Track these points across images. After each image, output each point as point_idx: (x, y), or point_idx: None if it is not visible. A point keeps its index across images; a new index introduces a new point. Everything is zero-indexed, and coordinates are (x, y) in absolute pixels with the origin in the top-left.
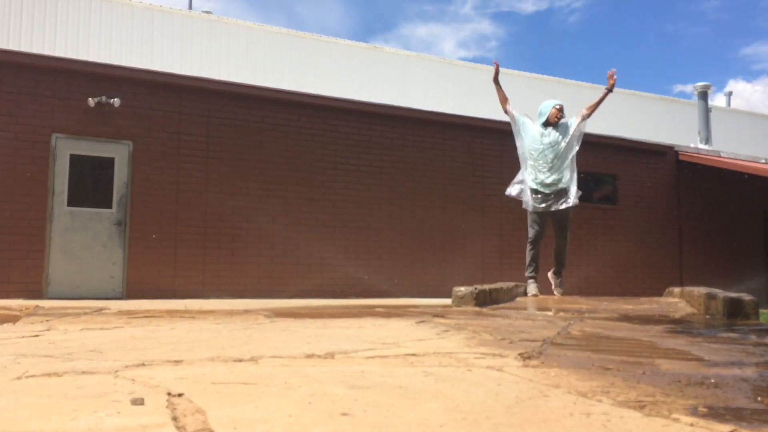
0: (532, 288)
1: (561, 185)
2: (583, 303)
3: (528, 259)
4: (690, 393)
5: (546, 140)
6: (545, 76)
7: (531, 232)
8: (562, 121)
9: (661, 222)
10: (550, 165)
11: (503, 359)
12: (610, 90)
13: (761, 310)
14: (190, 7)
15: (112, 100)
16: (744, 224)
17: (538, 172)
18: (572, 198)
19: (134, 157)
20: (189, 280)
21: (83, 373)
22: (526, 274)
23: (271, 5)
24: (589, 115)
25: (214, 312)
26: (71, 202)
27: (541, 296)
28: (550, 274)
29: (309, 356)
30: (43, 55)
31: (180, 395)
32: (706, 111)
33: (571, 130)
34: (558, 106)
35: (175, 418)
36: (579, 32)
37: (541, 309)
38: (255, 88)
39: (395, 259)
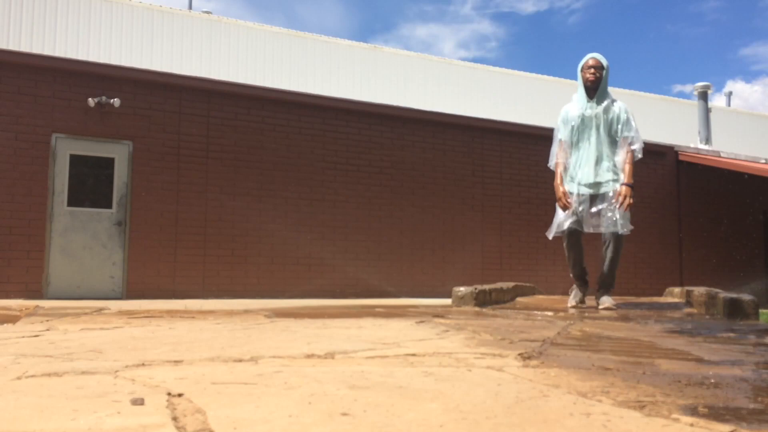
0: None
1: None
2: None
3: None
4: (690, 393)
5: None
6: (545, 76)
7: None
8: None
9: (661, 222)
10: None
11: (503, 359)
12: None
13: (761, 310)
14: (190, 7)
15: (112, 100)
16: (744, 224)
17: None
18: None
19: (134, 157)
20: (189, 281)
21: (83, 373)
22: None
23: (271, 5)
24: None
25: (214, 312)
26: (71, 202)
27: (540, 296)
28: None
29: (309, 356)
30: (43, 55)
31: (180, 395)
32: (706, 111)
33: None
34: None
35: (175, 418)
36: (579, 32)
37: (541, 309)
38: (255, 88)
39: (395, 259)
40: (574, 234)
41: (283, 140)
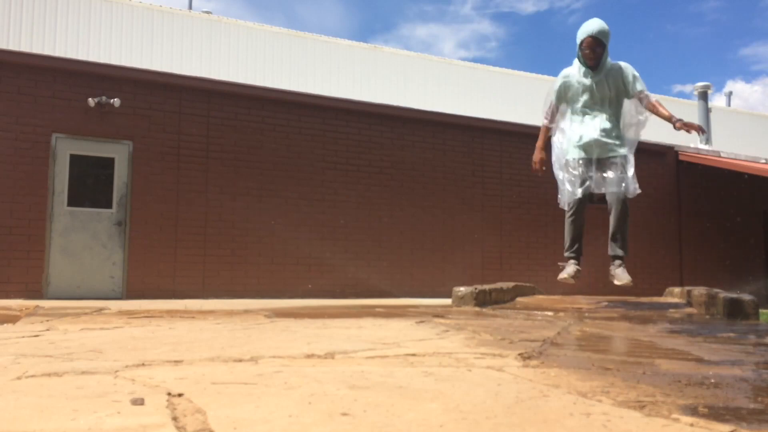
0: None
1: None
2: (583, 303)
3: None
4: (690, 393)
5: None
6: (545, 76)
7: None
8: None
9: (661, 222)
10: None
11: (503, 359)
12: (674, 124)
13: (761, 310)
14: (190, 7)
15: (112, 100)
16: (744, 224)
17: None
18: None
19: (134, 157)
20: (189, 281)
21: (83, 373)
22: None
23: (271, 5)
24: (647, 106)
25: (214, 312)
26: (71, 202)
27: (540, 296)
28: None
29: (309, 356)
30: (43, 55)
31: (180, 395)
32: (706, 111)
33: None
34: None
35: (175, 418)
36: None
37: (541, 309)
38: (255, 88)
39: (395, 259)
40: (580, 202)
41: (283, 140)
